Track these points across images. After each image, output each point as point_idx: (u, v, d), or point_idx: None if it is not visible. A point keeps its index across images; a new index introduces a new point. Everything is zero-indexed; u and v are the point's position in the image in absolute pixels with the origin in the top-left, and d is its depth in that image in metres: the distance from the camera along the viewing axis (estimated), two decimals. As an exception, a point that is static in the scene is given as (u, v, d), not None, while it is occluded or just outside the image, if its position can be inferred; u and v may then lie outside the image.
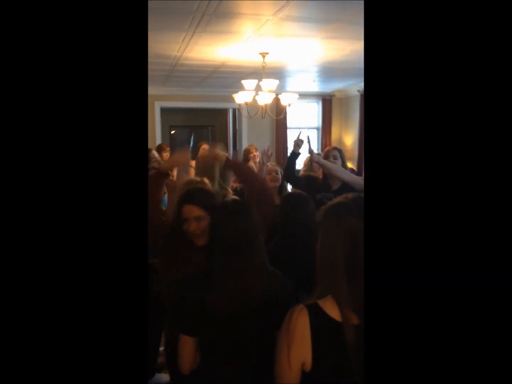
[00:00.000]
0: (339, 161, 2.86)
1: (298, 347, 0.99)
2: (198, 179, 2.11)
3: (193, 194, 1.68)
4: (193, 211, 1.62)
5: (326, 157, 2.90)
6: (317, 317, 1.00)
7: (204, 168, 2.71)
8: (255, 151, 4.11)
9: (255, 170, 3.21)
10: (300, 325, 1.00)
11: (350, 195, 1.09)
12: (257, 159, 3.86)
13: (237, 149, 7.24)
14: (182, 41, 3.32)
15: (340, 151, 2.94)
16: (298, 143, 2.96)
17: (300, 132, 3.27)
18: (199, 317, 1.27)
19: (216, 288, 1.26)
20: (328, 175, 2.81)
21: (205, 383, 1.33)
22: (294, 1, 2.40)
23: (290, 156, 2.99)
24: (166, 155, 4.62)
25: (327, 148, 3.16)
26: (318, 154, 3.01)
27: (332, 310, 1.00)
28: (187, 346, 1.30)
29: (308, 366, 0.99)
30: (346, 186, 2.72)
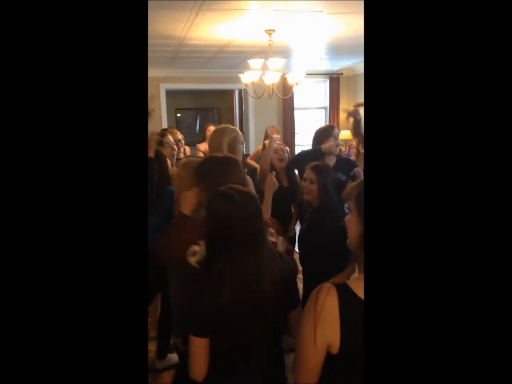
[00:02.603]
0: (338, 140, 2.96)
1: (325, 327, 0.97)
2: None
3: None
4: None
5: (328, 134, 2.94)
6: (346, 297, 0.97)
7: (213, 142, 2.63)
8: (277, 133, 4.18)
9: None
10: (328, 305, 0.97)
11: None
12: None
13: (243, 130, 7.19)
14: (186, 20, 3.24)
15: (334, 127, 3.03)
16: (334, 145, 2.81)
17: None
18: (212, 315, 1.20)
19: (224, 282, 1.20)
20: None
21: None
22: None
23: (315, 149, 2.87)
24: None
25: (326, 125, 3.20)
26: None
27: (362, 290, 0.96)
28: (201, 350, 1.22)
29: (335, 348, 0.97)
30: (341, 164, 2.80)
